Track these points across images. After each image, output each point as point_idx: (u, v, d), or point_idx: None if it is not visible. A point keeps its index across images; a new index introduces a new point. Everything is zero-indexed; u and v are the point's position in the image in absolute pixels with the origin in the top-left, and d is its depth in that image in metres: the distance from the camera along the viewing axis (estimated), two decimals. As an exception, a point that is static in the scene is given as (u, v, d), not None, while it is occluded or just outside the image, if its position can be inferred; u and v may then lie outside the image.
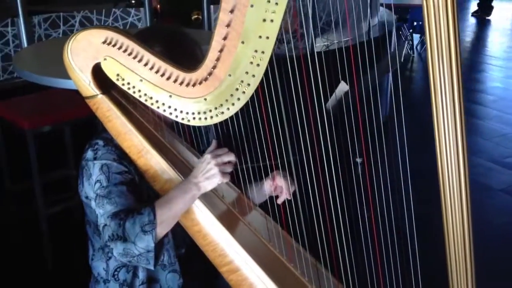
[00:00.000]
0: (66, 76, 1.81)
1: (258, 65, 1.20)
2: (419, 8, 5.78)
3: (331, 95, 2.45)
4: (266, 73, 1.22)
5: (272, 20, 1.15)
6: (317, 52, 1.32)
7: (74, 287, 2.38)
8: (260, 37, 1.17)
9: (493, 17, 8.65)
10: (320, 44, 3.48)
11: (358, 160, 2.55)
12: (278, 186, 1.48)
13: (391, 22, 3.93)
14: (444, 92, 1.07)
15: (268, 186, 1.49)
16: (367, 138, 1.36)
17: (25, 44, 3.17)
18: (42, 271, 2.50)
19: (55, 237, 2.55)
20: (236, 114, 1.26)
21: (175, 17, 4.40)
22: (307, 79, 1.25)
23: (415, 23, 6.22)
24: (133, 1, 4.06)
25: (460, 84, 1.06)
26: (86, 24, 3.44)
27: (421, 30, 6.28)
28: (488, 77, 5.95)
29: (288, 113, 1.32)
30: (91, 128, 2.68)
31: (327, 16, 3.66)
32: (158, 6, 4.22)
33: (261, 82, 1.22)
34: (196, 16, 4.33)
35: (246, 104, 1.25)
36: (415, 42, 6.64)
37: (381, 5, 4.81)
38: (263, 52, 1.19)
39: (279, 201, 1.49)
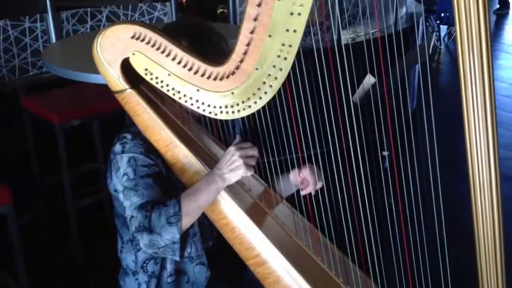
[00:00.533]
0: (94, 70, 1.83)
1: (285, 58, 1.20)
2: (446, -1, 5.70)
3: (358, 88, 2.43)
4: (293, 66, 1.23)
5: (299, 14, 1.15)
6: (343, 44, 1.31)
7: (102, 280, 2.42)
8: (287, 30, 1.17)
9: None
10: (346, 37, 3.46)
11: (385, 153, 2.53)
12: (304, 179, 1.48)
13: (419, 13, 3.87)
14: (474, 86, 1.06)
15: (293, 177, 1.49)
16: (395, 131, 1.35)
17: (53, 39, 3.22)
18: (71, 264, 2.55)
19: (84, 230, 2.59)
20: (263, 107, 1.26)
21: (200, 11, 4.42)
22: (334, 72, 1.24)
23: (442, 14, 6.12)
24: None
25: (491, 77, 1.05)
26: (113, 19, 3.47)
27: (448, 21, 6.18)
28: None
29: (315, 106, 1.31)
30: (119, 122, 2.71)
31: (353, 7, 3.62)
32: (184, 0, 4.24)
33: (288, 75, 1.22)
34: (221, 10, 4.33)
35: (273, 97, 1.26)
36: (442, 33, 6.54)
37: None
38: (290, 46, 1.19)
39: (302, 193, 1.48)
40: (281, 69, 1.21)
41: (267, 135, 1.37)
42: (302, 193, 1.48)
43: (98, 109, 2.54)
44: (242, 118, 1.30)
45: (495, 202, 1.13)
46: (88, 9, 3.38)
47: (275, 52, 1.19)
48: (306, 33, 1.22)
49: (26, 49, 3.20)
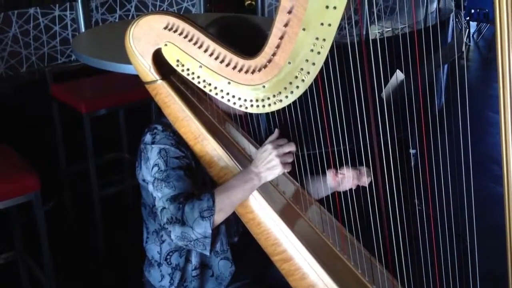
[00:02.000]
0: (122, 60, 1.82)
1: (318, 52, 1.18)
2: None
3: (386, 83, 2.40)
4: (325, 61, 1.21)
5: (335, 7, 1.13)
6: (372, 39, 1.29)
7: (125, 269, 2.44)
8: (322, 24, 1.15)
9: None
10: (375, 32, 3.41)
11: (412, 151, 2.50)
12: (344, 178, 1.45)
13: (450, 9, 3.80)
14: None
15: (330, 177, 1.47)
16: (422, 129, 1.32)
17: (82, 28, 3.24)
18: (93, 252, 2.57)
19: (107, 218, 2.61)
20: (294, 102, 1.25)
21: (228, 2, 4.40)
22: (362, 67, 1.22)
23: (472, 11, 6.01)
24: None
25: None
26: (142, 9, 3.48)
27: (478, 18, 6.07)
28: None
29: (346, 101, 1.29)
30: (145, 113, 2.73)
31: (383, 2, 3.57)
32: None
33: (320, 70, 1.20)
34: (249, 2, 4.30)
35: (304, 92, 1.24)
36: (472, 30, 6.43)
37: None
38: (324, 40, 1.17)
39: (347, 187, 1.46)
40: (314, 64, 1.19)
41: (296, 130, 1.35)
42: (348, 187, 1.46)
43: (125, 99, 2.55)
44: (272, 113, 1.29)
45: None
46: (117, -2, 3.39)
47: (309, 46, 1.18)
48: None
49: (56, 37, 3.23)
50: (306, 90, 1.23)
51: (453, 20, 3.86)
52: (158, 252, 1.45)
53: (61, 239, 2.58)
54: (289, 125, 1.34)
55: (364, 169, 1.44)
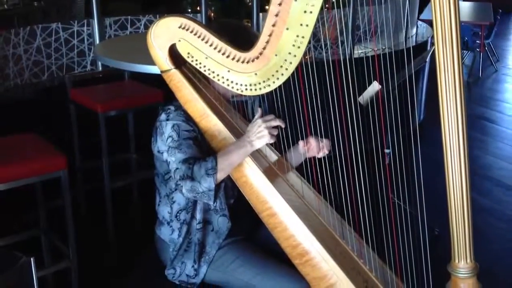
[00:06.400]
0: (138, 61, 2.17)
1: (298, 47, 1.52)
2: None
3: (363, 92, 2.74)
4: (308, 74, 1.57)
5: (311, 12, 1.47)
6: (355, 58, 1.66)
7: (131, 245, 2.73)
8: (301, 25, 1.48)
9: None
10: (358, 51, 3.79)
11: (387, 151, 2.84)
12: (311, 146, 1.80)
13: (428, 35, 4.21)
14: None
15: (301, 146, 1.81)
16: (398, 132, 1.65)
17: (97, 42, 3.62)
18: (105, 237, 2.88)
19: (117, 210, 2.92)
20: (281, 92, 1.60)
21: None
22: (345, 80, 1.58)
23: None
24: (189, 10, 4.49)
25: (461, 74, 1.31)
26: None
27: (462, 45, 6.49)
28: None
29: (324, 102, 1.66)
30: (151, 117, 3.05)
31: (365, 26, 3.97)
32: (212, 14, 4.61)
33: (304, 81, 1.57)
34: (246, 24, 4.69)
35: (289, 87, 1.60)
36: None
37: (421, 20, 5.08)
38: (303, 37, 1.50)
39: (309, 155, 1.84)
40: (295, 56, 1.53)
41: (281, 112, 1.70)
42: (309, 154, 1.83)
43: (134, 103, 2.90)
44: (262, 95, 1.63)
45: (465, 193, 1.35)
46: (129, 17, 3.78)
47: (291, 42, 1.51)
48: (314, 46, 1.59)
49: (74, 50, 3.60)
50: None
51: (431, 46, 4.25)
52: (168, 212, 1.77)
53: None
54: (280, 107, 1.69)
55: (325, 140, 1.79)
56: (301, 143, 1.82)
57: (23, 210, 2.85)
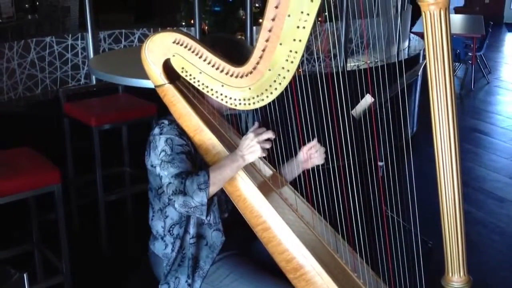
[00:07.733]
0: (132, 75, 2.18)
1: (292, 62, 1.53)
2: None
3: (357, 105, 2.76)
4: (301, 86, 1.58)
5: (304, 27, 1.49)
6: (347, 71, 1.68)
7: (125, 257, 2.73)
8: (294, 40, 1.50)
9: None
10: (350, 64, 3.82)
11: (380, 163, 2.85)
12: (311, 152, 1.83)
13: (421, 48, 4.25)
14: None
15: (305, 151, 1.84)
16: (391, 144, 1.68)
17: (91, 55, 3.62)
18: (98, 250, 2.87)
19: (111, 224, 2.92)
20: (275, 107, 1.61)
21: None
22: (338, 93, 1.59)
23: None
24: (183, 23, 4.53)
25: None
26: (143, 40, 3.89)
27: (455, 58, 6.56)
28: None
29: (320, 115, 1.67)
30: (145, 130, 3.06)
31: (357, 39, 4.01)
32: (206, 27, 4.64)
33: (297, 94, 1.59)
34: (239, 37, 4.72)
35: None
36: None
37: (413, 32, 5.13)
38: (296, 52, 1.52)
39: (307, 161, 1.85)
40: (288, 71, 1.54)
41: (275, 125, 1.70)
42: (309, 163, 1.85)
43: (128, 116, 2.90)
44: (256, 109, 1.64)
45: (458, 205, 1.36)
46: (123, 30, 3.79)
47: (284, 57, 1.53)
48: (307, 60, 1.61)
49: (68, 63, 3.61)
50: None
51: (423, 59, 4.29)
52: (162, 226, 1.77)
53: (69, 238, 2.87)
54: (274, 121, 1.70)
55: (322, 149, 1.81)
56: (304, 148, 1.83)
57: (16, 224, 2.84)
